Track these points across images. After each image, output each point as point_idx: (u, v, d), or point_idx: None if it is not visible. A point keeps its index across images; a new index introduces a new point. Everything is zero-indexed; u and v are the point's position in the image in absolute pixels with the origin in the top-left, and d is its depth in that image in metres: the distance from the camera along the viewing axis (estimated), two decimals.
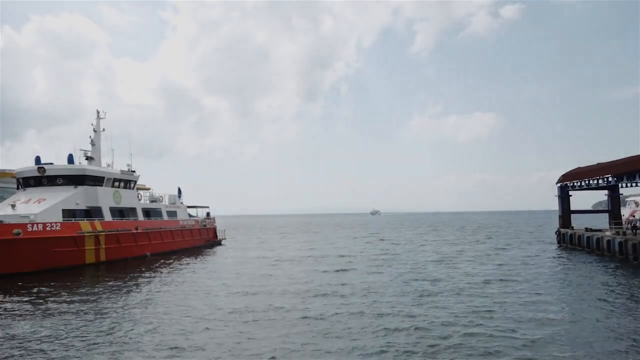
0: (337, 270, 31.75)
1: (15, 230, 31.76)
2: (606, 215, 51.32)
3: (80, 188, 39.27)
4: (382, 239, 66.49)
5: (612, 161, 43.70)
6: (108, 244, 38.89)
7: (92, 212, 39.40)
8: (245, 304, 20.71)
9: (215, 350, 14.13)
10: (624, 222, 47.35)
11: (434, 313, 18.45)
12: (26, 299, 23.08)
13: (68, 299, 22.66)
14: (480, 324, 16.58)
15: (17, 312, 20.04)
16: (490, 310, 18.69)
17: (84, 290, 25.31)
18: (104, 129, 45.56)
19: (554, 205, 53.08)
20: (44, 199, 36.79)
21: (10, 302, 22.20)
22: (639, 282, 25.08)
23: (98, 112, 45.46)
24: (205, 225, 59.83)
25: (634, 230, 38.44)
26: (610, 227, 44.50)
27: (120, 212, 42.89)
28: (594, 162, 48.39)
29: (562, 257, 39.20)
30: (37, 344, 14.87)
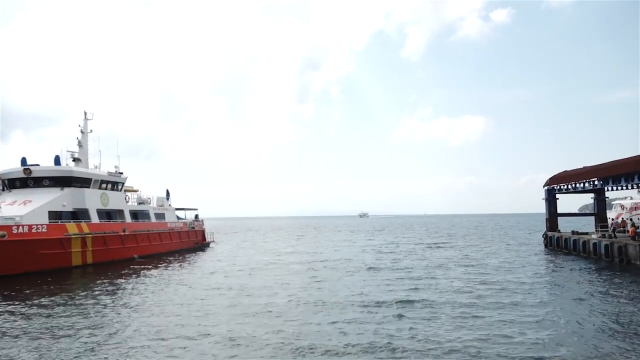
0: (314, 277, 31.71)
1: (0, 232, 31.32)
2: (592, 218, 51.89)
3: (67, 190, 38.86)
4: (369, 240, 66.61)
5: (598, 164, 44.21)
6: (95, 246, 38.48)
7: (79, 214, 39.00)
8: (228, 314, 20.59)
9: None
10: (609, 225, 47.90)
11: (423, 318, 18.51)
12: (10, 302, 22.73)
13: (52, 303, 22.34)
14: (470, 328, 16.66)
15: None
16: (478, 316, 18.77)
17: (68, 294, 24.98)
18: (91, 130, 45.22)
19: (542, 208, 53.55)
20: (30, 201, 36.32)
21: None
22: (626, 284, 25.42)
23: (85, 113, 45.12)
24: (193, 228, 59.49)
25: (613, 234, 39.01)
26: (596, 230, 44.99)
27: (107, 214, 42.50)
28: (581, 166, 49.02)
29: (549, 260, 39.53)
30: (18, 349, 14.68)
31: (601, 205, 50.05)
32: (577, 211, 78.84)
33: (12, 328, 17.31)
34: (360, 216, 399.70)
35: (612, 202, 73.18)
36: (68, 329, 16.96)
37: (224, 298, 22.98)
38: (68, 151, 43.51)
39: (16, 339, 15.71)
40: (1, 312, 20.43)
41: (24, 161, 40.38)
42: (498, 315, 18.45)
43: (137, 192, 53.14)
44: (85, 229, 38.03)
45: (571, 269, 32.43)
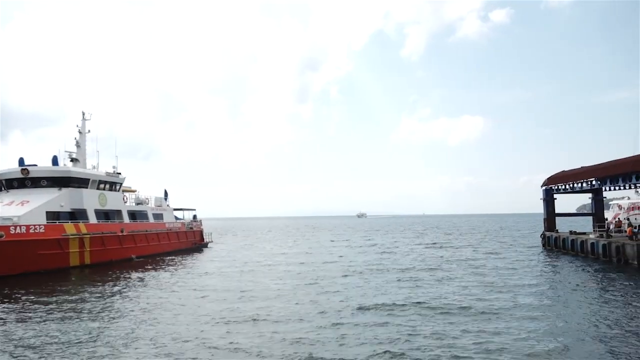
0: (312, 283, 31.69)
1: None
2: (590, 218, 51.95)
3: (65, 190, 38.82)
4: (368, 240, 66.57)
5: (596, 165, 44.27)
6: (93, 247, 38.45)
7: (77, 215, 38.96)
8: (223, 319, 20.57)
9: None
10: (607, 225, 47.99)
11: (424, 320, 18.52)
12: (7, 303, 22.71)
13: (50, 304, 22.33)
14: (471, 329, 16.67)
15: None
16: (479, 317, 18.78)
17: (66, 295, 24.96)
18: (89, 131, 45.25)
19: (541, 208, 53.57)
20: (28, 201, 36.27)
21: None
22: (624, 284, 25.48)
23: (83, 113, 45.10)
24: (191, 228, 59.52)
25: (610, 234, 39.10)
26: (594, 230, 45.05)
27: (105, 215, 42.46)
28: (579, 166, 49.06)
29: (547, 260, 39.60)
30: (16, 350, 14.65)
31: (599, 205, 50.12)
32: (575, 211, 78.83)
33: (9, 329, 17.29)
34: (358, 216, 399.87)
35: (610, 202, 73.34)
36: (66, 331, 16.93)
37: (221, 300, 22.95)
38: (66, 151, 43.56)
39: (14, 340, 15.69)
40: None
41: (21, 161, 40.32)
42: (498, 316, 18.46)
43: (135, 193, 53.16)
44: (83, 230, 38.00)
45: (569, 269, 32.48)
